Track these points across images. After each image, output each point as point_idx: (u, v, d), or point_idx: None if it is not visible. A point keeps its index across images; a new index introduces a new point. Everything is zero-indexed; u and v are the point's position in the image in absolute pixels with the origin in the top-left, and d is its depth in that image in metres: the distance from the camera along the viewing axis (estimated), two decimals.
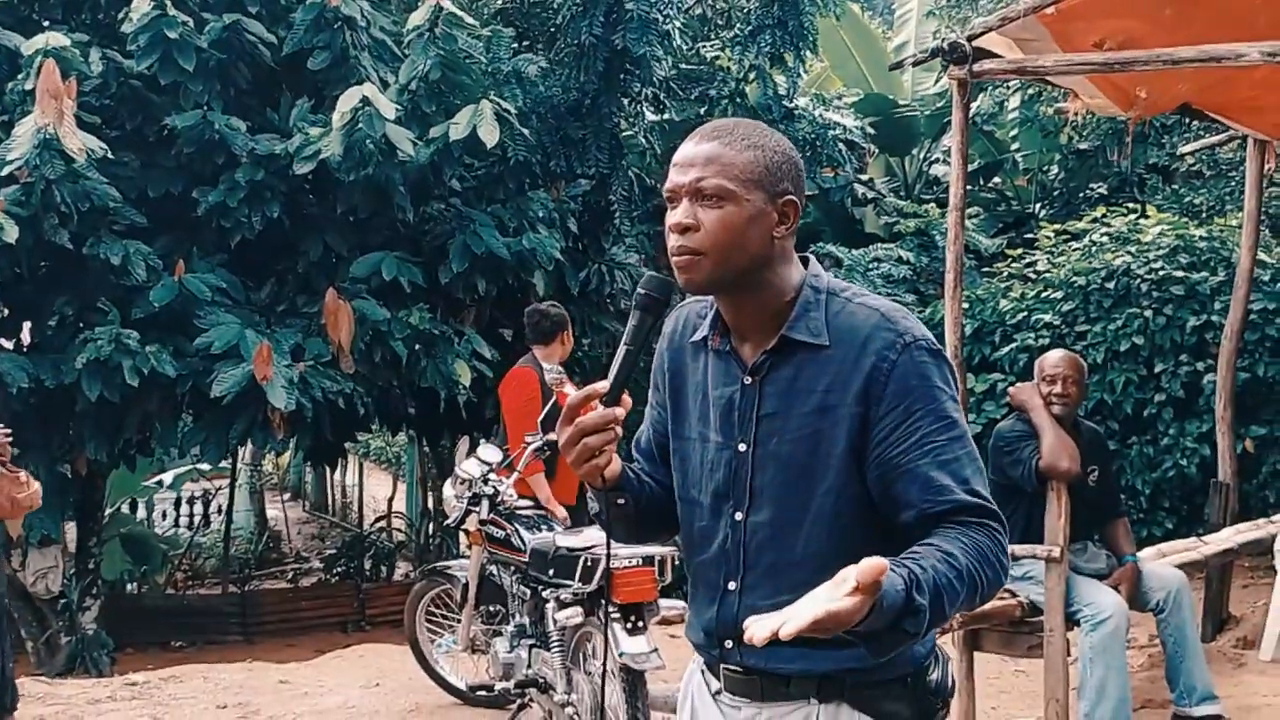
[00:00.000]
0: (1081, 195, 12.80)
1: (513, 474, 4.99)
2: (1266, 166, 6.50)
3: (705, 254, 1.78)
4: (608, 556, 1.99)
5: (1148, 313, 8.27)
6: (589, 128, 9.71)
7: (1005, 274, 9.66)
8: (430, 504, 14.58)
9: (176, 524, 16.32)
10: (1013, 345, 8.73)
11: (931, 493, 1.73)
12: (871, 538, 1.77)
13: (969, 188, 4.86)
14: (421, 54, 8.30)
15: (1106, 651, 4.28)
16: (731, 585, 1.87)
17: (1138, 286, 8.42)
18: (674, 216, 1.81)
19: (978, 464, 1.80)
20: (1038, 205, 13.61)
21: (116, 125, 8.49)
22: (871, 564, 1.42)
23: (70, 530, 9.91)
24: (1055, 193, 13.50)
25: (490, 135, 8.07)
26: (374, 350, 8.36)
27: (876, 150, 14.35)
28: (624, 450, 1.88)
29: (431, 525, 14.18)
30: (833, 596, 1.44)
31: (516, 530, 4.86)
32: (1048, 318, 8.68)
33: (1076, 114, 5.85)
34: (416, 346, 8.52)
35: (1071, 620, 4.38)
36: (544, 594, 4.62)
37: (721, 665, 1.92)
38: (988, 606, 4.20)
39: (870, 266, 11.40)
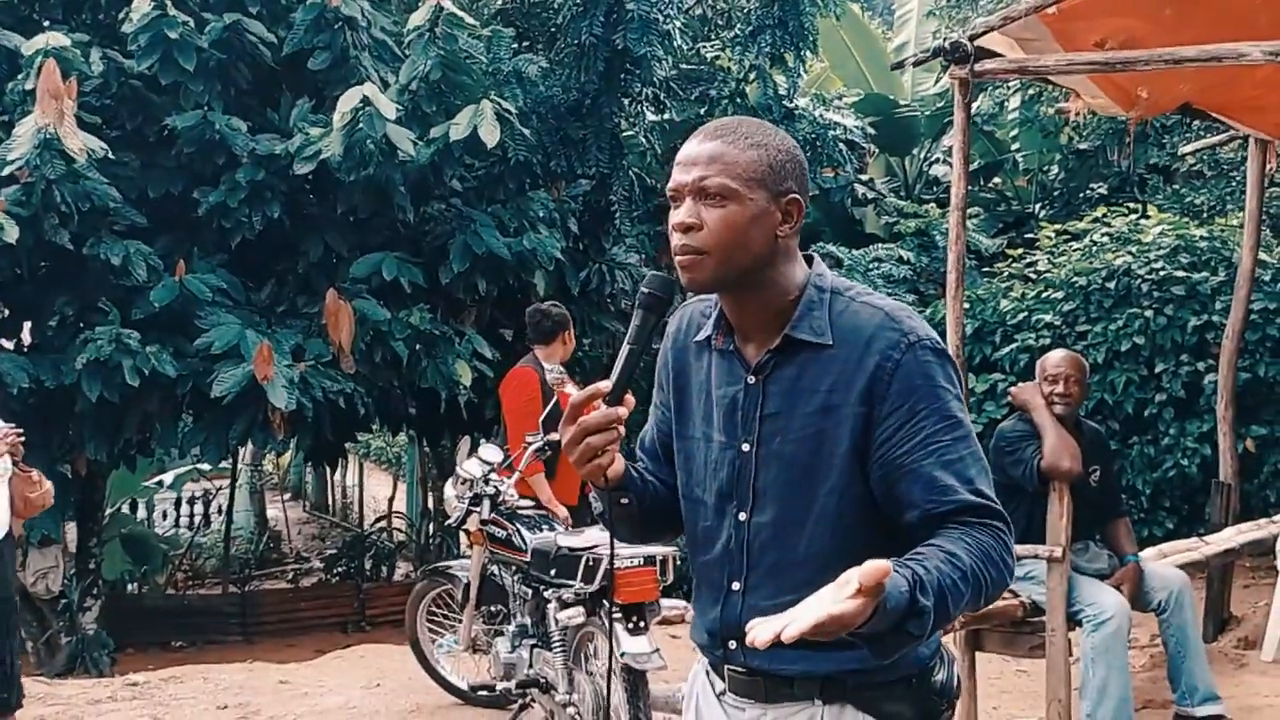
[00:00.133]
0: (1082, 195, 12.80)
1: (514, 474, 4.98)
2: (1268, 166, 6.50)
3: (708, 253, 1.78)
4: (611, 557, 1.99)
5: (1148, 313, 8.26)
6: (589, 128, 9.71)
7: (1006, 274, 9.66)
8: (430, 504, 14.58)
9: (177, 524, 16.31)
10: (1013, 345, 8.72)
11: (935, 493, 1.73)
12: (875, 538, 1.76)
13: (969, 188, 4.85)
14: (422, 54, 8.29)
15: (1108, 651, 4.28)
16: (735, 585, 1.86)
17: (1138, 286, 8.42)
18: (677, 215, 1.81)
19: (982, 464, 1.79)
20: (1038, 205, 13.61)
21: (117, 125, 8.49)
22: (874, 566, 1.41)
23: (70, 530, 9.91)
24: (1055, 193, 13.50)
25: (491, 135, 8.07)
26: (374, 350, 8.36)
27: (876, 150, 14.35)
28: (624, 449, 1.88)
29: (432, 525, 14.18)
30: (836, 599, 1.43)
31: (518, 530, 4.85)
32: (1048, 318, 8.68)
33: (1078, 114, 5.84)
34: (417, 346, 8.51)
35: (1073, 620, 4.37)
36: (545, 594, 4.61)
37: (726, 666, 1.91)
38: (989, 606, 4.20)
39: (870, 266, 11.41)
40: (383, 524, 15.88)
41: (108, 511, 11.15)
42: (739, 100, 10.84)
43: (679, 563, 4.44)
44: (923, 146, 14.46)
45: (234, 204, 8.23)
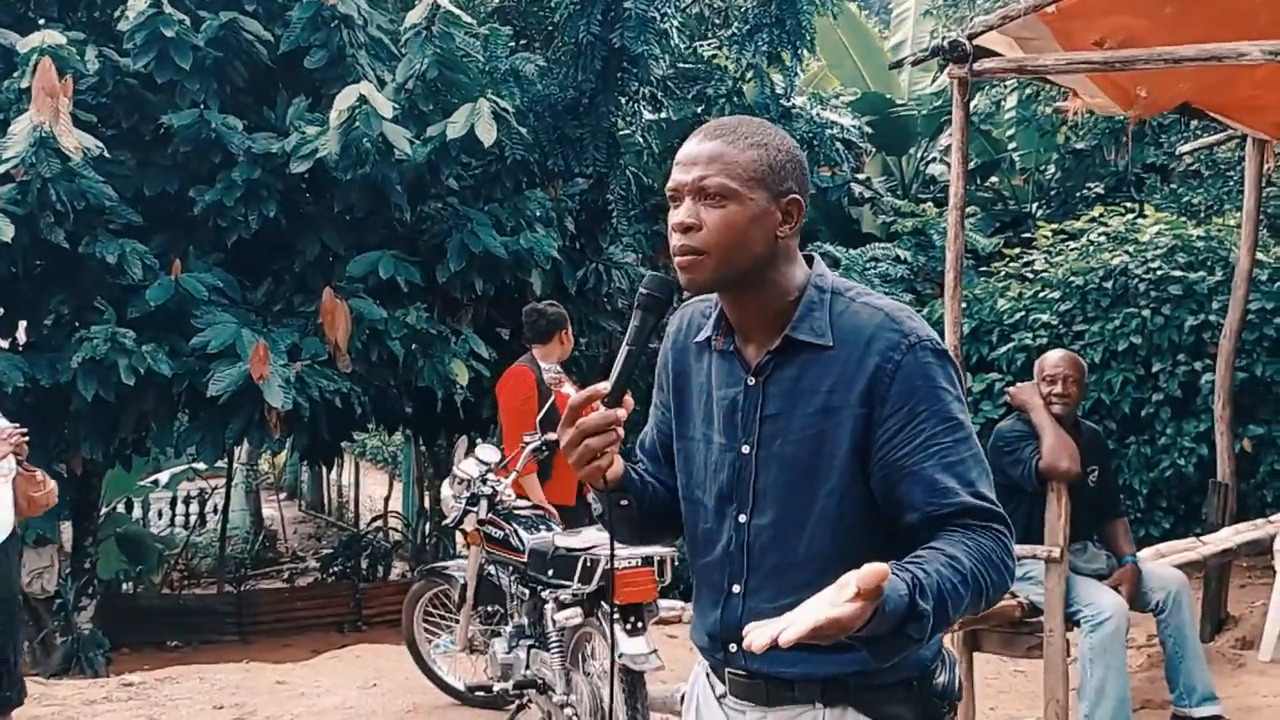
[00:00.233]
0: (1078, 195, 12.79)
1: (511, 474, 4.97)
2: (1266, 166, 6.50)
3: (708, 253, 1.77)
4: (611, 558, 1.98)
5: (1145, 312, 8.26)
6: (586, 126, 9.69)
7: (1003, 273, 9.65)
8: (427, 503, 14.56)
9: (172, 523, 16.29)
10: (1010, 345, 8.72)
11: (936, 495, 1.72)
12: (875, 539, 1.76)
13: (966, 187, 4.85)
14: (419, 52, 8.28)
15: (1106, 652, 4.28)
16: (735, 588, 1.86)
17: (1135, 286, 8.42)
18: (676, 215, 1.80)
19: (983, 466, 1.78)
20: (1034, 205, 13.60)
21: (112, 124, 8.46)
22: (873, 569, 1.40)
23: (66, 530, 9.89)
24: (1052, 192, 13.50)
25: (488, 134, 8.05)
26: (371, 349, 8.34)
27: (873, 149, 14.34)
28: (623, 450, 1.87)
29: (428, 525, 14.17)
30: (834, 602, 1.42)
31: (515, 530, 4.83)
32: (1045, 317, 8.68)
33: (1076, 113, 5.83)
34: (413, 346, 8.49)
35: (1071, 621, 4.37)
36: (543, 594, 4.60)
37: (726, 669, 1.90)
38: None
39: (867, 266, 11.40)
40: (379, 523, 15.88)
41: (103, 511, 11.12)
42: (736, 99, 10.83)
43: (677, 563, 4.43)
44: (920, 146, 14.45)
45: (230, 203, 8.21)
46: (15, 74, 7.76)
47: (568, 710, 4.46)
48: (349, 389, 8.23)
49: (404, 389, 9.02)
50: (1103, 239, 9.01)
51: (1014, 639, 4.57)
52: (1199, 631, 5.04)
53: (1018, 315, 8.85)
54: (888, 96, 13.84)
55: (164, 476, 15.90)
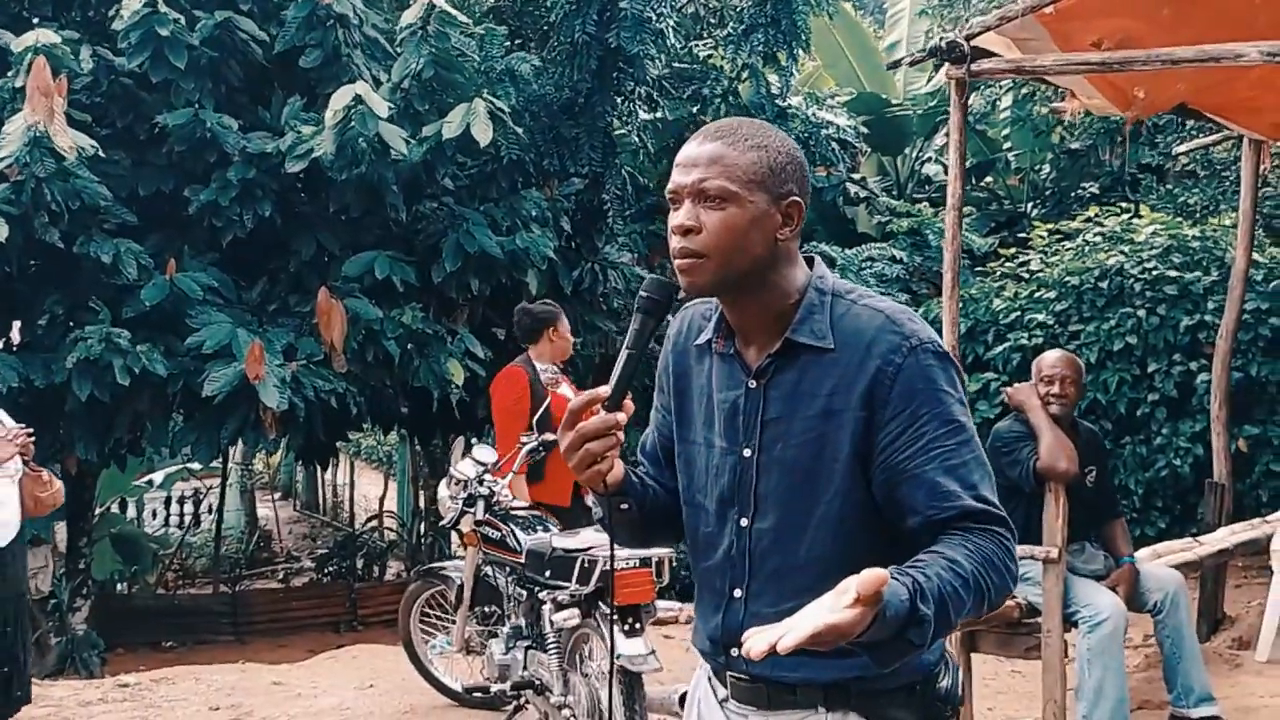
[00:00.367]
0: (1073, 195, 12.80)
1: (508, 475, 4.96)
2: (1261, 166, 6.51)
3: (707, 256, 1.76)
4: (611, 560, 1.98)
5: (1141, 312, 8.27)
6: (582, 126, 9.67)
7: (998, 273, 9.65)
8: (422, 503, 14.54)
9: (167, 523, 16.25)
10: (1006, 345, 8.72)
11: (937, 498, 1.71)
12: (877, 542, 1.75)
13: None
14: (414, 52, 8.27)
15: (1104, 653, 4.28)
16: (737, 592, 1.85)
17: (1131, 286, 8.42)
18: (676, 218, 1.79)
19: (985, 468, 1.78)
20: (1030, 204, 13.61)
21: (107, 123, 8.44)
22: (872, 575, 1.40)
23: (60, 530, 9.86)
24: (1047, 192, 13.51)
25: (483, 134, 8.05)
26: (366, 349, 8.32)
27: (869, 149, 14.34)
28: (624, 454, 1.86)
29: (423, 525, 14.14)
30: (833, 608, 1.42)
31: (512, 531, 4.83)
32: (1041, 317, 8.68)
33: (1073, 114, 5.84)
34: (409, 346, 8.48)
35: (1069, 621, 4.37)
36: (540, 595, 4.60)
37: (728, 673, 1.90)
38: None
39: (863, 266, 11.40)
40: (374, 523, 15.84)
41: (97, 511, 11.10)
42: (732, 99, 10.83)
43: (675, 564, 4.43)
44: (915, 145, 14.46)
45: (225, 202, 8.19)
46: (10, 73, 7.74)
47: (565, 711, 4.46)
48: (344, 389, 8.22)
49: (399, 389, 9.01)
50: (1098, 239, 9.02)
51: (1012, 640, 4.56)
52: (1195, 632, 5.05)
53: (1013, 315, 8.86)
54: (883, 96, 13.85)
55: (158, 476, 15.86)
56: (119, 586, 13.11)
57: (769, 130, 1.84)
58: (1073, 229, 9.41)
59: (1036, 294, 8.90)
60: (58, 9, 8.86)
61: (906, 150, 14.54)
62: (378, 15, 9.15)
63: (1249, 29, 4.19)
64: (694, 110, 10.96)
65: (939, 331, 4.54)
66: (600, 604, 4.27)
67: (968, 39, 4.41)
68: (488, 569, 5.06)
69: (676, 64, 10.89)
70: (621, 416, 1.76)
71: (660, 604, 4.57)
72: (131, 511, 15.32)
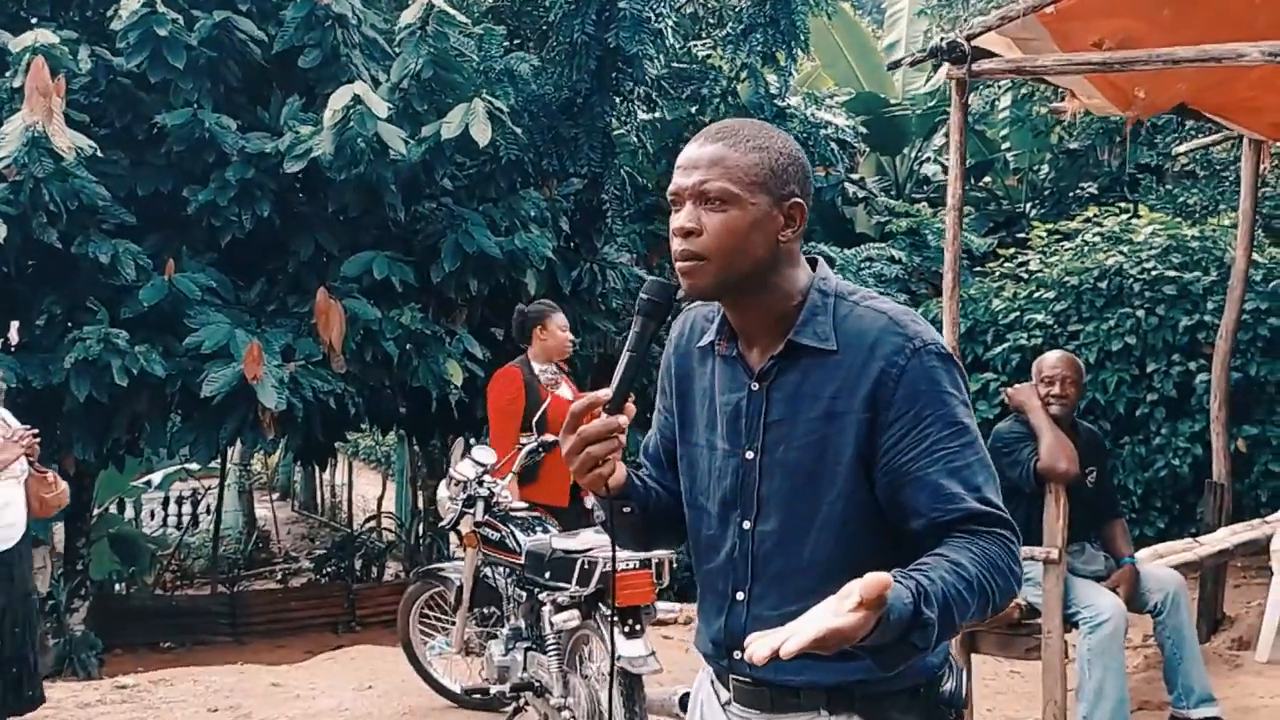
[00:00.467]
0: (1072, 195, 12.81)
1: (507, 476, 4.95)
2: (1261, 166, 6.51)
3: (708, 259, 1.75)
4: (613, 562, 1.96)
5: (1140, 312, 8.27)
6: (581, 126, 9.67)
7: (997, 273, 9.65)
8: (420, 504, 14.53)
9: (165, 524, 16.22)
10: (1005, 345, 8.72)
11: (941, 501, 1.71)
12: (880, 545, 1.75)
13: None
14: (413, 52, 8.26)
15: (1105, 653, 4.28)
16: (739, 595, 1.84)
17: (1130, 286, 8.43)
18: (677, 220, 1.79)
19: (990, 470, 1.78)
20: (1028, 205, 13.62)
21: (106, 123, 8.43)
22: (875, 579, 1.39)
23: (58, 531, 9.84)
24: (1046, 192, 13.51)
25: (482, 134, 8.04)
26: (365, 350, 8.32)
27: (867, 149, 14.34)
28: (625, 455, 1.85)
29: (422, 525, 14.13)
30: (836, 612, 1.41)
31: (512, 532, 4.82)
32: (1040, 317, 8.68)
33: (1074, 114, 5.84)
34: (408, 346, 8.47)
35: (1069, 622, 4.37)
36: (540, 597, 4.58)
37: (731, 676, 1.89)
38: None
39: (862, 266, 11.40)
40: (372, 524, 15.82)
41: (95, 511, 11.08)
42: (730, 99, 10.82)
43: (675, 565, 4.42)
44: (913, 146, 14.46)
45: (224, 202, 8.18)
46: (8, 73, 7.73)
47: (565, 713, 4.45)
48: (343, 389, 8.21)
49: (398, 389, 9.00)
50: (1097, 239, 9.02)
51: (1012, 640, 4.56)
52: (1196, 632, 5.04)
53: (1012, 315, 8.86)
54: (882, 96, 13.85)
55: (156, 477, 15.84)
56: (117, 587, 13.07)
57: (771, 131, 1.83)
58: (1072, 229, 9.41)
59: (1035, 294, 8.91)
60: (56, 9, 8.85)
61: (905, 150, 14.54)
62: (376, 15, 9.15)
63: (1250, 29, 4.18)
64: (693, 110, 10.95)
65: (939, 332, 4.55)
66: (600, 605, 4.26)
67: (968, 39, 4.40)
68: (487, 570, 5.05)
69: (675, 64, 10.89)
70: (623, 419, 1.75)
71: (660, 605, 4.56)
72: (129, 512, 15.30)
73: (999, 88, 12.17)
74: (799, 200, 1.80)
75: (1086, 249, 9.00)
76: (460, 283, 8.81)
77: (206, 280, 8.14)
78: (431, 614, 5.62)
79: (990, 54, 4.55)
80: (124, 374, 7.56)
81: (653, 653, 4.12)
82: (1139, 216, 9.23)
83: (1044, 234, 9.67)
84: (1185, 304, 8.20)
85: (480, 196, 9.19)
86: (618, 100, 10.04)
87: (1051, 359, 4.60)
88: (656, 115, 11.06)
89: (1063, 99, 5.63)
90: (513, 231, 8.85)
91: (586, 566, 4.24)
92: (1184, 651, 4.61)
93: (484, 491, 4.83)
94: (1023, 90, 11.46)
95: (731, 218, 1.75)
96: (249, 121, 8.57)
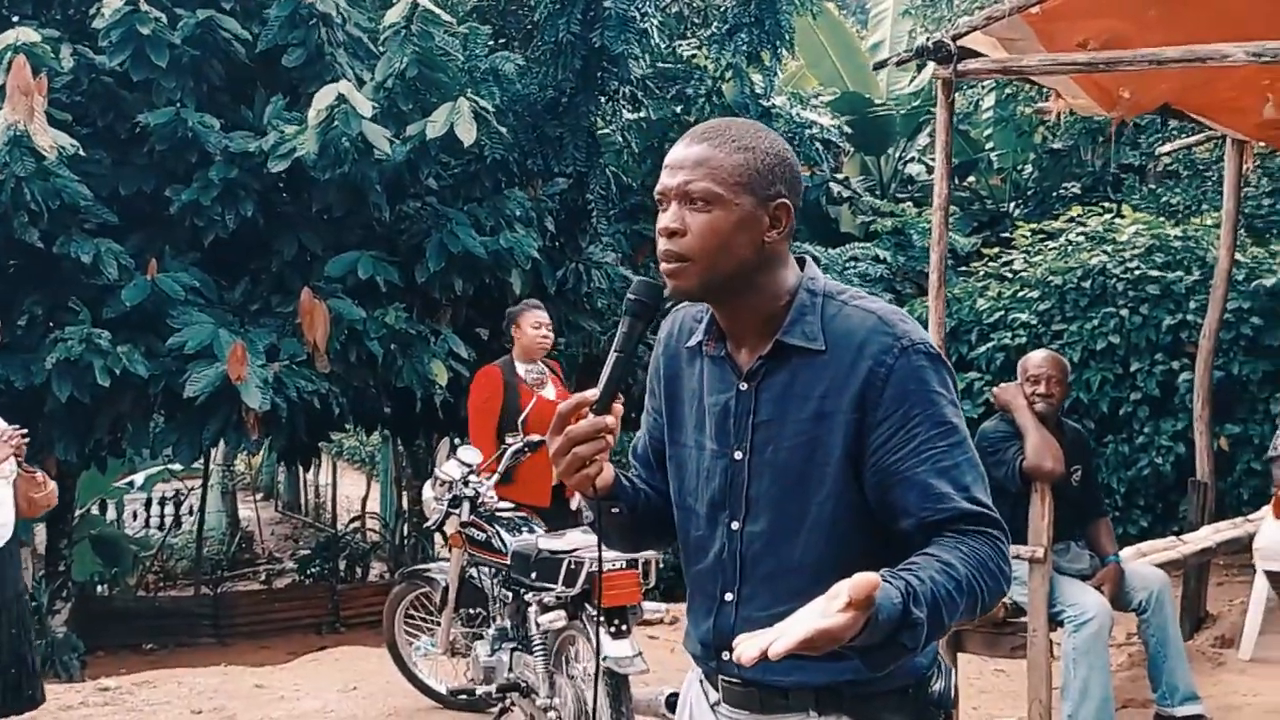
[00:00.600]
0: (1056, 195, 12.86)
1: (493, 476, 4.93)
2: (1244, 167, 6.53)
3: (692, 260, 1.75)
4: (600, 563, 1.95)
5: (1123, 312, 8.30)
6: (566, 126, 9.66)
7: (982, 273, 9.67)
8: (405, 504, 14.50)
9: (147, 525, 16.16)
10: (989, 344, 8.74)
11: (930, 500, 1.70)
12: (870, 545, 1.74)
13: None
14: (398, 51, 8.24)
15: (1090, 652, 4.29)
16: (729, 596, 1.84)
17: (1114, 286, 8.46)
18: (662, 220, 1.78)
19: (978, 470, 1.77)
20: (1012, 204, 13.66)
21: (88, 122, 8.38)
22: (864, 579, 1.39)
23: (40, 532, 9.79)
24: (1030, 192, 13.56)
25: (467, 133, 8.03)
26: (349, 350, 8.29)
27: (852, 149, 14.37)
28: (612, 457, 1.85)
29: (406, 526, 14.10)
30: (825, 612, 1.40)
31: (497, 533, 4.81)
32: (1024, 317, 8.70)
33: (1059, 114, 5.85)
34: (392, 346, 8.45)
35: (1055, 621, 4.38)
36: (526, 597, 4.57)
37: (720, 676, 1.88)
38: None
39: (847, 266, 11.43)
40: (356, 524, 15.78)
41: (77, 512, 11.03)
42: (715, 99, 10.82)
43: (661, 565, 4.41)
44: (898, 145, 14.49)
45: (207, 202, 8.15)
46: None
47: (551, 714, 4.44)
48: (327, 389, 8.19)
49: (383, 389, 8.98)
50: (1081, 239, 9.05)
51: (997, 639, 4.57)
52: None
53: (997, 315, 8.88)
54: (866, 96, 13.88)
55: (139, 478, 15.76)
56: (99, 588, 13.01)
57: (759, 131, 1.82)
58: (1055, 229, 9.44)
59: (1020, 294, 8.93)
60: (38, 7, 8.79)
61: (890, 150, 14.58)
62: (361, 14, 9.12)
63: (1234, 29, 4.19)
64: (678, 110, 10.96)
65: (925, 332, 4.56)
66: (586, 605, 4.25)
67: (954, 39, 4.41)
68: (473, 571, 5.03)
69: (660, 64, 10.89)
70: (610, 420, 1.74)
71: (647, 605, 4.55)
72: (112, 513, 15.24)
73: (983, 88, 12.21)
74: (785, 201, 1.79)
75: (1070, 249, 9.02)
76: (445, 283, 8.80)
77: (190, 280, 8.11)
78: (417, 615, 5.60)
79: (976, 54, 4.55)
80: (106, 374, 7.53)
81: (639, 653, 4.11)
82: (1122, 216, 9.26)
83: (1028, 234, 9.69)
84: (1168, 303, 8.23)
85: (465, 196, 9.17)
86: (603, 100, 10.04)
87: (1037, 358, 4.61)
88: (641, 115, 11.06)
89: (1048, 99, 5.64)
90: (498, 231, 8.84)
91: (572, 567, 4.23)
92: (1168, 649, 4.63)
93: (469, 492, 4.82)
94: (1007, 90, 11.50)
95: (715, 218, 1.74)
96: (232, 121, 8.53)
